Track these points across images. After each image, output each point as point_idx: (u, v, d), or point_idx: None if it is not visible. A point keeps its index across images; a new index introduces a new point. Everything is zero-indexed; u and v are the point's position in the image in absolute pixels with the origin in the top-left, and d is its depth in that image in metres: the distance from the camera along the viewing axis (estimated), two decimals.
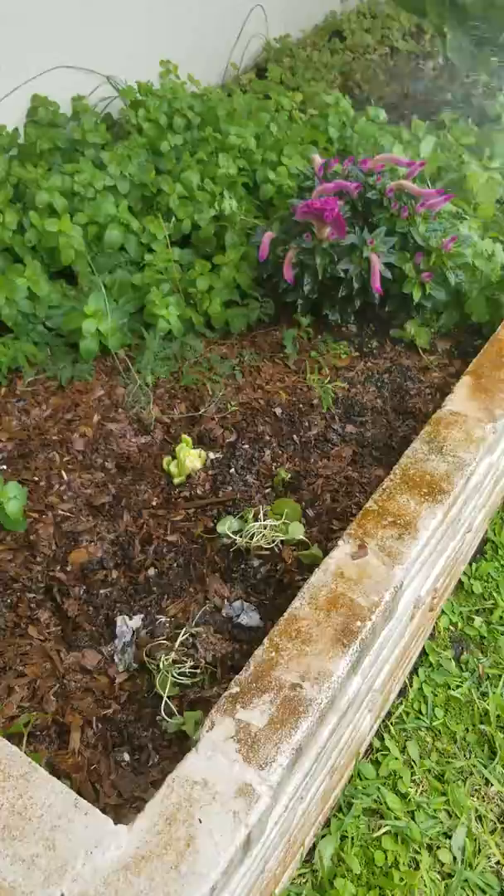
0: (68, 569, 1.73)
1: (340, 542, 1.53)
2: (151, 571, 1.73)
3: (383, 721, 1.99)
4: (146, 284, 2.34)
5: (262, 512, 1.78)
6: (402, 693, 2.07)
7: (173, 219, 2.52)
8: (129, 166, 2.56)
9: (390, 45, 4.41)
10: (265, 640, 1.35)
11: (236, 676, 1.30)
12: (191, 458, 1.93)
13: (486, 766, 1.95)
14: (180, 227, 2.53)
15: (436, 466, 1.69)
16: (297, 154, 2.77)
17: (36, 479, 1.92)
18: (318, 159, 2.39)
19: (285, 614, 1.39)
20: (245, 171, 2.77)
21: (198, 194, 2.57)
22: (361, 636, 1.36)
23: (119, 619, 1.62)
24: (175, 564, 1.75)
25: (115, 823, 1.12)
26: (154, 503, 1.88)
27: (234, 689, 1.27)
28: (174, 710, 1.45)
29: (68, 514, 1.84)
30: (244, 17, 3.80)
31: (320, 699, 1.26)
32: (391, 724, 2.00)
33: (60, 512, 1.84)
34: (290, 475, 1.93)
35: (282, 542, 1.75)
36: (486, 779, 1.93)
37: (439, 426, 1.80)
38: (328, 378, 2.25)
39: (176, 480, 1.92)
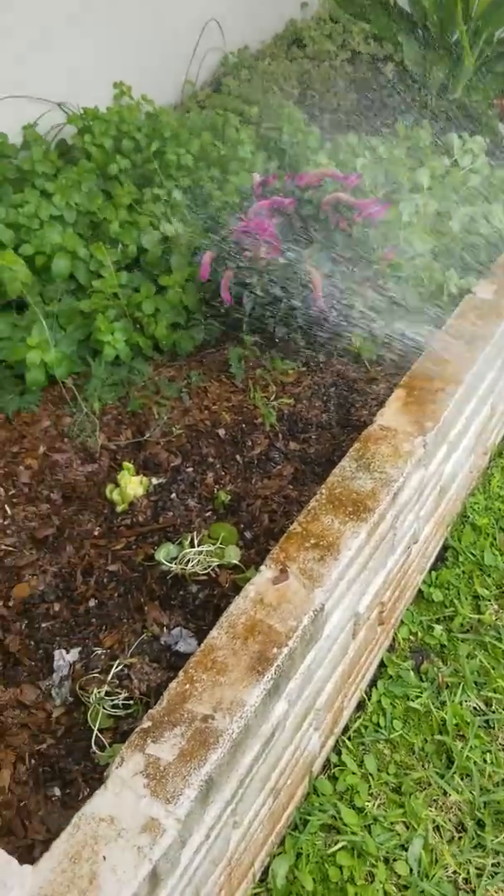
0: (10, 604, 1.75)
1: (262, 568, 1.54)
2: (92, 602, 1.75)
3: (339, 736, 2.00)
4: (93, 311, 2.37)
5: (197, 537, 1.80)
6: (361, 707, 2.08)
7: (120, 244, 2.54)
8: (75, 195, 2.59)
9: (352, 50, 4.40)
10: (181, 673, 1.36)
11: (149, 710, 1.32)
12: (132, 485, 1.95)
13: (442, 777, 1.96)
14: (127, 251, 2.55)
15: (363, 484, 1.70)
16: (244, 171, 2.79)
17: None
18: (256, 177, 2.40)
19: (202, 645, 1.40)
20: (192, 189, 2.78)
21: (141, 219, 2.59)
22: (277, 662, 1.37)
23: (56, 653, 1.64)
24: (116, 594, 1.77)
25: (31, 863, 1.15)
26: (96, 533, 1.90)
27: (146, 724, 1.29)
28: (105, 743, 1.47)
29: (11, 548, 1.87)
30: (199, 33, 3.81)
31: (232, 729, 1.27)
32: (349, 738, 2.00)
33: (4, 547, 1.87)
34: (230, 497, 1.94)
35: (219, 566, 1.76)
36: (443, 789, 1.94)
37: (368, 442, 1.80)
38: (274, 395, 2.26)
39: (119, 508, 1.94)
